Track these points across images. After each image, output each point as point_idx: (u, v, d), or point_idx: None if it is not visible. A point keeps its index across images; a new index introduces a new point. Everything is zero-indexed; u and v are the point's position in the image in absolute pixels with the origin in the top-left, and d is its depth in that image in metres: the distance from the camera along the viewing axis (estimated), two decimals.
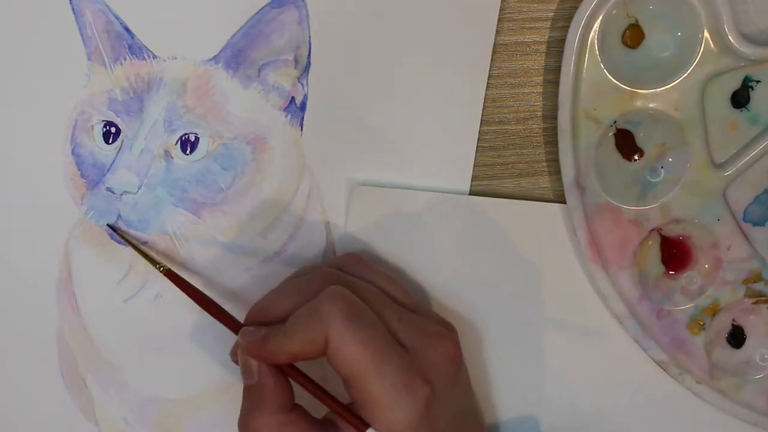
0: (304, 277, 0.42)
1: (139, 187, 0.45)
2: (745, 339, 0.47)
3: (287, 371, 0.40)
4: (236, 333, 0.41)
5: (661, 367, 0.46)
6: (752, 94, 0.44)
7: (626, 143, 0.45)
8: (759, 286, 0.46)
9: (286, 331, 0.39)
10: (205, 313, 0.43)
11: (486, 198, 0.46)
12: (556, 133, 0.45)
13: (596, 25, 0.43)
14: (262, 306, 0.41)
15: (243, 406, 0.40)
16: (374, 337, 0.38)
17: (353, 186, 0.46)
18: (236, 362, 0.41)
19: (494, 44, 0.45)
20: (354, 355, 0.38)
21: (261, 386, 0.40)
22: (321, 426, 0.40)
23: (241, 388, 0.41)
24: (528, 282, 0.47)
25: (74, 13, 0.44)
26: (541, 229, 0.46)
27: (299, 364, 0.41)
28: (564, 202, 0.45)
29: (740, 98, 0.44)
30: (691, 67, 0.44)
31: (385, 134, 0.46)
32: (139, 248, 0.45)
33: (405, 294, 0.43)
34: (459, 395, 0.41)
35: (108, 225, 0.45)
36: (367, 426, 0.38)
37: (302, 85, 0.45)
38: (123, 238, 0.45)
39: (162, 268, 0.44)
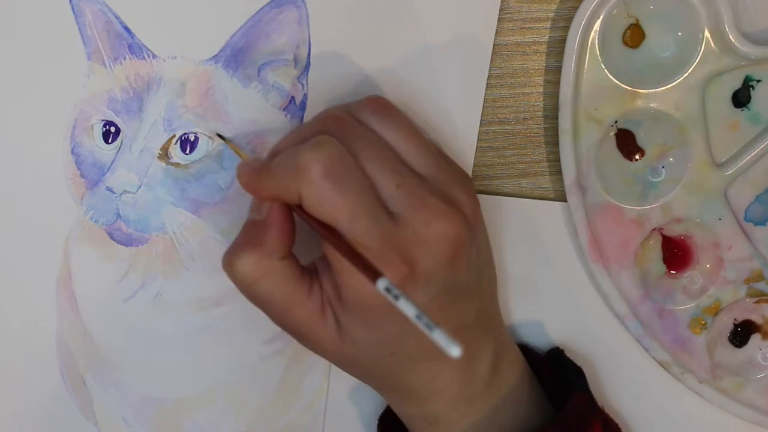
0: (317, 117, 0.39)
1: (139, 187, 0.45)
2: (747, 338, 0.46)
3: (296, 210, 0.38)
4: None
5: (663, 367, 0.46)
6: (753, 93, 0.44)
7: (627, 143, 0.45)
8: (760, 286, 0.46)
9: (269, 169, 0.37)
10: (204, 313, 0.44)
11: (486, 196, 0.46)
12: (557, 133, 0.45)
13: (597, 25, 0.43)
14: (275, 146, 0.40)
15: (236, 240, 0.38)
16: (352, 201, 0.35)
17: None
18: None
19: (494, 44, 0.45)
20: (325, 215, 0.35)
21: (266, 224, 0.38)
22: (307, 276, 0.38)
23: (244, 389, 0.41)
24: (528, 281, 0.47)
25: (74, 12, 0.44)
26: (541, 228, 0.46)
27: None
28: (565, 201, 0.45)
29: (741, 98, 0.44)
30: (692, 67, 0.44)
31: None
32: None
33: (425, 154, 0.38)
34: (452, 278, 0.37)
35: (219, 134, 0.44)
36: (379, 275, 0.33)
37: (302, 84, 0.45)
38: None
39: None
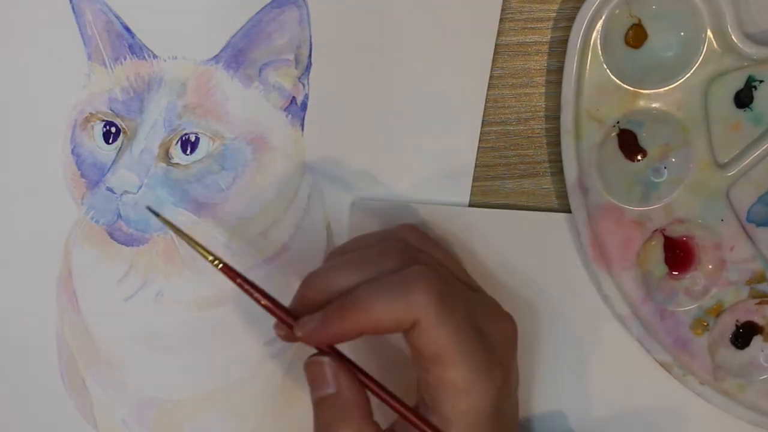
0: (371, 249, 0.39)
1: (140, 187, 0.45)
2: (749, 340, 0.46)
3: (356, 374, 0.38)
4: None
5: (665, 368, 0.46)
6: (755, 94, 0.44)
7: (629, 143, 0.45)
8: (763, 287, 0.46)
9: (361, 303, 0.36)
10: (205, 313, 0.43)
11: (486, 210, 0.46)
12: (559, 134, 0.44)
13: (599, 25, 0.43)
14: (319, 281, 0.38)
15: (321, 422, 0.38)
16: (462, 321, 0.37)
17: (353, 198, 0.46)
18: (281, 337, 0.38)
19: (496, 44, 0.45)
20: (443, 339, 0.36)
21: (342, 395, 0.37)
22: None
23: (244, 390, 0.41)
24: (530, 288, 0.47)
25: (74, 12, 0.44)
26: (543, 238, 0.46)
27: None
28: (567, 205, 0.45)
29: (743, 98, 0.44)
30: (694, 67, 0.43)
31: (386, 133, 0.46)
32: (191, 239, 0.39)
33: (464, 271, 0.41)
34: (516, 383, 0.40)
35: (148, 208, 0.41)
36: None
37: (303, 84, 0.45)
38: (171, 226, 0.40)
39: (218, 263, 0.38)
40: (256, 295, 0.38)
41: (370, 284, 0.37)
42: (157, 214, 0.40)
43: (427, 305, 0.36)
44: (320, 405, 0.38)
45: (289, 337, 0.38)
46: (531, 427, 0.48)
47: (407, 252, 0.39)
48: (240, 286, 0.38)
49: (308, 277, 0.38)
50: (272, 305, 0.38)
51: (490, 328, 0.38)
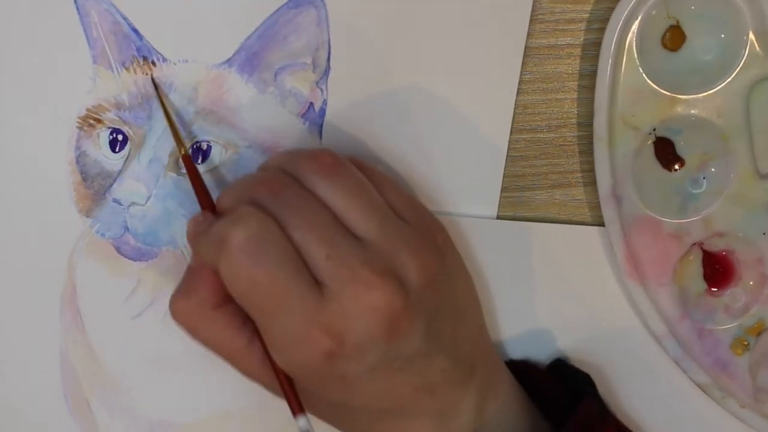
0: (255, 174, 0.39)
1: (148, 198, 0.44)
2: None
3: None
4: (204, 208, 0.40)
5: (703, 390, 0.45)
6: None
7: (666, 152, 0.44)
8: None
9: (201, 238, 0.37)
10: None
11: (515, 222, 0.45)
12: (591, 142, 0.44)
13: (634, 27, 0.43)
14: (226, 190, 0.39)
15: (177, 286, 0.39)
16: (274, 277, 0.35)
17: None
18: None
19: (525, 47, 0.44)
20: (245, 293, 0.36)
21: (196, 270, 0.38)
22: (249, 324, 0.38)
23: (258, 413, 0.42)
24: (560, 305, 0.46)
25: (79, 13, 0.43)
26: (574, 252, 0.46)
27: None
28: (600, 217, 0.45)
29: None
30: (736, 71, 0.43)
31: (409, 141, 0.45)
32: (172, 122, 0.43)
33: (368, 217, 0.37)
34: (393, 349, 0.37)
35: (152, 78, 0.44)
36: (301, 410, 0.37)
37: (321, 90, 0.44)
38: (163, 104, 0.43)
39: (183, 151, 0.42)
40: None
41: (210, 225, 0.37)
42: (156, 86, 0.43)
43: (226, 252, 0.35)
44: (186, 270, 0.39)
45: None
46: None
47: (269, 187, 0.37)
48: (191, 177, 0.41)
49: (227, 187, 0.40)
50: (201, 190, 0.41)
51: (339, 288, 0.36)
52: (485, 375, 0.41)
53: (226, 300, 0.38)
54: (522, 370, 0.44)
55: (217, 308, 0.38)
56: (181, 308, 0.38)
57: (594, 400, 0.42)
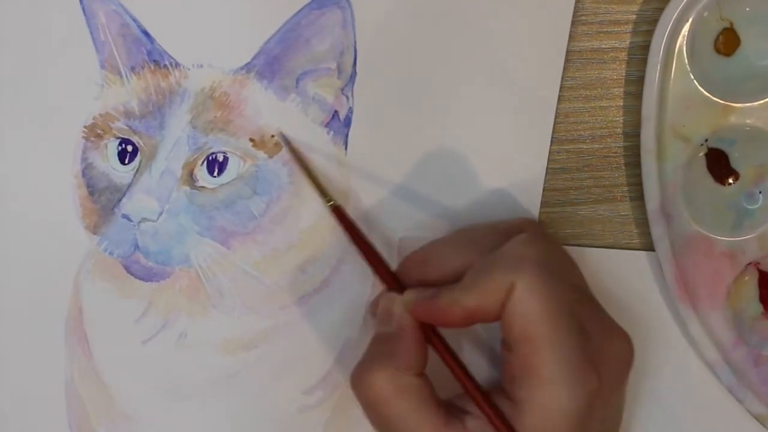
0: (476, 231, 0.40)
1: (160, 214, 0.44)
2: None
3: (428, 335, 0.38)
4: (391, 287, 0.39)
5: (759, 422, 0.44)
6: None
7: (719, 165, 0.44)
8: None
9: (462, 285, 0.37)
10: (233, 357, 0.42)
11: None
12: (638, 153, 0.43)
13: (685, 30, 0.42)
14: (423, 256, 0.39)
15: (364, 355, 0.38)
16: (562, 300, 0.36)
17: (402, 230, 0.44)
18: (374, 314, 0.40)
19: (567, 51, 0.44)
20: (537, 312, 0.35)
21: (396, 336, 0.37)
22: (444, 408, 0.37)
23: None
24: None
25: (85, 15, 0.43)
26: (621, 275, 0.45)
27: None
28: (648, 235, 0.44)
29: None
30: None
31: (441, 153, 0.44)
32: (310, 173, 0.42)
33: (584, 283, 0.40)
34: (615, 404, 0.38)
35: (281, 134, 0.43)
36: (511, 430, 0.35)
37: (347, 97, 0.43)
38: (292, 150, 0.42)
39: (331, 203, 0.41)
40: (367, 251, 0.40)
41: (477, 263, 0.37)
42: (287, 142, 0.42)
43: (526, 267, 0.35)
44: (373, 340, 0.39)
45: (387, 314, 0.39)
46: None
47: (514, 232, 0.39)
48: (352, 238, 0.40)
49: (409, 256, 0.40)
50: (383, 268, 0.40)
51: (594, 330, 0.37)
52: None
53: (424, 368, 0.37)
54: None
55: (419, 377, 0.37)
56: (377, 376, 0.36)
57: None
